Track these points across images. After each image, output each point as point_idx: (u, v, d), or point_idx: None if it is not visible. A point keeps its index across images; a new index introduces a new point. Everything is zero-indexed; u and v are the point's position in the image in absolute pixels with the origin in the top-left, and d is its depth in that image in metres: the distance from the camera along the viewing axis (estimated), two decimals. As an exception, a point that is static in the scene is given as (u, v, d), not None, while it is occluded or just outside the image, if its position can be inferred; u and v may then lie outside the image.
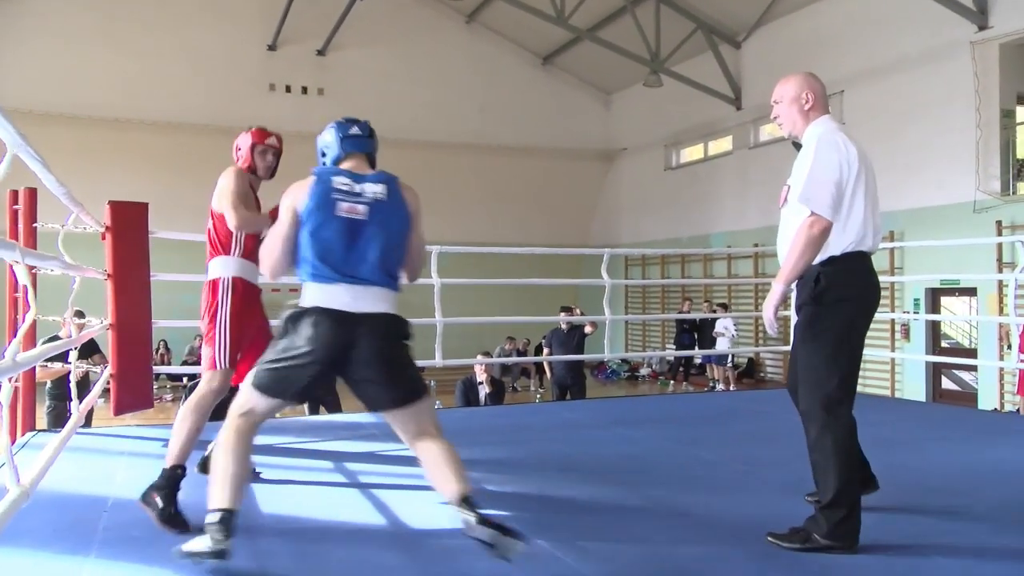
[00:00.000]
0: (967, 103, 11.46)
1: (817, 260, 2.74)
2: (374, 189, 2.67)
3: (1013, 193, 11.27)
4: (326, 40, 17.89)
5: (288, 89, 18.19)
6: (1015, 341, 9.00)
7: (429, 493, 3.51)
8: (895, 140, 12.71)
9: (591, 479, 3.59)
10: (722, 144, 17.35)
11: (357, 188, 2.65)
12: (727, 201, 16.71)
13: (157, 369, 5.38)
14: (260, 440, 4.57)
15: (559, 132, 20.05)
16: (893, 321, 12.64)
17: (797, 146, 2.94)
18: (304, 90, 18.31)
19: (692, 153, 18.53)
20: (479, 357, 8.02)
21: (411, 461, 4.10)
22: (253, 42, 17.74)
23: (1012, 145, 11.37)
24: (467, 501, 2.47)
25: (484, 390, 7.87)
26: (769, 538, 2.72)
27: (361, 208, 2.61)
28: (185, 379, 12.59)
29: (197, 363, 15.10)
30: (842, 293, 2.75)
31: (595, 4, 15.67)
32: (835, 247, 2.74)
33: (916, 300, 12.53)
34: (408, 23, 18.79)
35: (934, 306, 12.52)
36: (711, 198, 17.14)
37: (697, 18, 15.85)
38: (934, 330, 12.63)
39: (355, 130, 2.89)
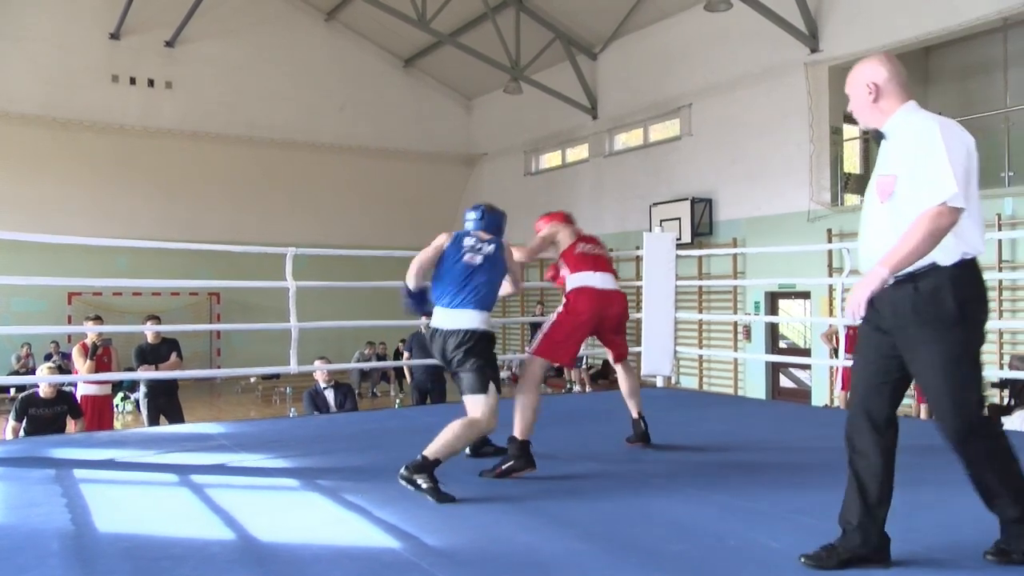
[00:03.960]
0: (802, 120, 12.32)
1: (916, 267, 2.43)
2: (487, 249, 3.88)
3: (842, 204, 12.23)
4: (175, 31, 17.03)
5: (133, 81, 17.16)
6: (842, 341, 9.72)
7: (279, 505, 3.42)
8: (738, 152, 13.49)
9: (451, 482, 3.59)
10: (579, 152, 17.83)
11: (477, 246, 3.87)
12: (584, 207, 17.16)
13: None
14: (100, 455, 4.31)
15: (421, 135, 19.98)
16: (736, 323, 13.40)
17: (878, 138, 2.62)
18: (151, 83, 17.35)
19: (551, 160, 18.95)
20: (316, 363, 7.69)
21: (262, 472, 3.99)
22: (93, 29, 16.64)
23: (840, 160, 12.35)
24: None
25: (331, 395, 7.72)
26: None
27: (477, 259, 3.82)
28: (13, 390, 11.61)
29: (30, 372, 13.98)
30: (974, 309, 2.45)
31: (457, 9, 15.73)
32: (953, 251, 2.42)
33: (756, 303, 13.33)
34: (264, 17, 18.20)
35: (772, 308, 13.37)
36: (569, 204, 17.50)
37: (556, 28, 16.22)
38: (773, 331, 13.48)
39: (470, 215, 4.07)
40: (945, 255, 2.42)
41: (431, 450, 3.41)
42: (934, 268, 2.42)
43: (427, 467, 3.38)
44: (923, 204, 2.37)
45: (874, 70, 2.58)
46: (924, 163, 2.40)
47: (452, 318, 3.73)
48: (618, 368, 4.77)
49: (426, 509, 3.22)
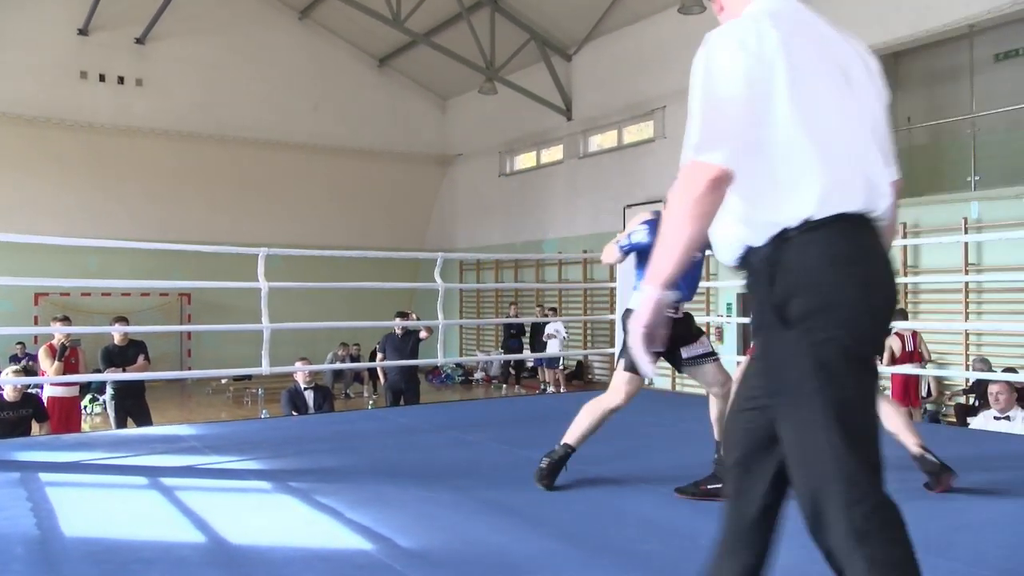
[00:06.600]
0: (773, 123, 12.41)
1: (760, 240, 1.62)
2: None
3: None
4: (146, 27, 16.82)
5: (102, 78, 16.91)
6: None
7: (251, 507, 3.38)
8: (711, 155, 13.57)
9: (425, 483, 3.58)
10: (554, 153, 17.87)
11: None
12: (558, 208, 17.23)
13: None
14: (67, 457, 4.24)
15: (395, 135, 19.92)
16: (708, 324, 13.50)
17: None
18: (121, 80, 17.11)
19: (525, 161, 18.97)
20: (297, 364, 7.77)
21: (233, 474, 3.95)
22: (60, 24, 16.37)
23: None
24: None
25: (311, 396, 7.70)
26: None
27: None
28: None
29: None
30: (812, 302, 1.54)
31: (431, 8, 15.70)
32: (781, 214, 1.60)
33: (728, 304, 13.45)
34: (236, 14, 18.02)
35: (744, 310, 13.48)
36: (543, 205, 17.60)
37: (531, 29, 16.25)
38: (744, 333, 13.59)
39: None
40: (754, 233, 1.63)
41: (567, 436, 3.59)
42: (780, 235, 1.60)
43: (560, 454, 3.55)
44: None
45: None
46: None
47: None
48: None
49: (399, 511, 3.21)
